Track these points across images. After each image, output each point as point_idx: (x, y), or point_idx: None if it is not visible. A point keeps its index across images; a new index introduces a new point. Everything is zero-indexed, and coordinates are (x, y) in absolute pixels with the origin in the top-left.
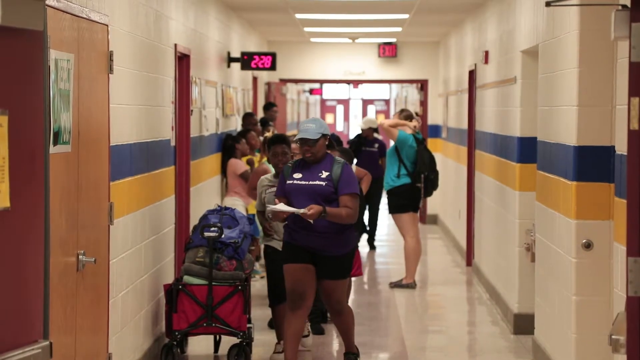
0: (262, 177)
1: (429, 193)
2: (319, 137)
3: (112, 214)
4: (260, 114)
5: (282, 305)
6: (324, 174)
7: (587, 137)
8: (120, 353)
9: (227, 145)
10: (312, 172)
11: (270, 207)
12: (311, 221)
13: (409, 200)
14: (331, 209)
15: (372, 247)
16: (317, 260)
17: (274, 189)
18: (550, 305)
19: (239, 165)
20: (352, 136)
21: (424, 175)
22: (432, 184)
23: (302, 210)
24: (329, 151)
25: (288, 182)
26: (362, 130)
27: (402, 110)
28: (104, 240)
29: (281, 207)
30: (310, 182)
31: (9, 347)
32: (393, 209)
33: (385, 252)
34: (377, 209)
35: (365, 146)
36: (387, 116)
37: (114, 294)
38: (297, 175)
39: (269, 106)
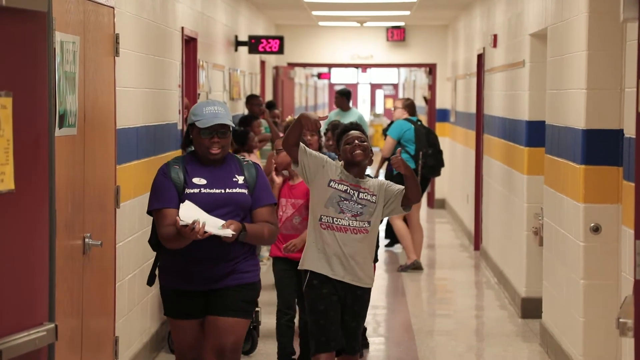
0: (329, 163)
1: (431, 170)
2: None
3: (119, 197)
4: (268, 98)
5: (329, 354)
6: (240, 179)
7: (596, 121)
8: (127, 336)
9: (239, 133)
10: (220, 176)
11: (184, 221)
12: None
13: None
14: (250, 225)
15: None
16: (211, 298)
17: (346, 186)
18: (558, 289)
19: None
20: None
21: (422, 152)
22: (433, 159)
23: (227, 232)
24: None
25: (189, 190)
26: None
27: (406, 99)
28: (110, 224)
29: (205, 224)
30: (228, 191)
31: (15, 330)
32: None
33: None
34: None
35: None
36: (395, 99)
37: (121, 277)
38: (200, 181)
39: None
